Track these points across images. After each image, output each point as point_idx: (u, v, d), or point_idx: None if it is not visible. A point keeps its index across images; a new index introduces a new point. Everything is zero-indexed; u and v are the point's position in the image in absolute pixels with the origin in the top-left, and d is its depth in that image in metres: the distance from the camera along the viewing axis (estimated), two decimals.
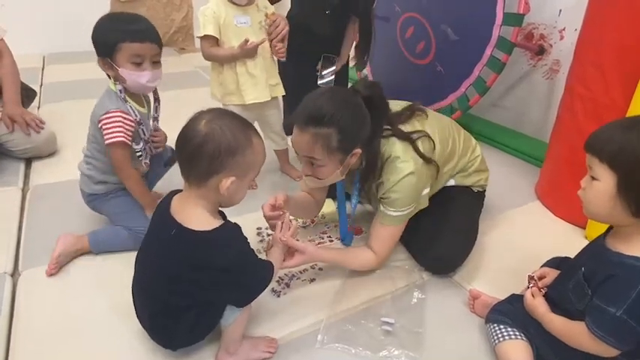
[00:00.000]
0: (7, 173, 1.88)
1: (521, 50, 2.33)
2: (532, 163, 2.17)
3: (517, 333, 1.03)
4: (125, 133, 1.33)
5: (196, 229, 0.91)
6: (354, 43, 2.23)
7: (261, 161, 0.98)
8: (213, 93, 1.77)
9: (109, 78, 1.36)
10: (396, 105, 1.35)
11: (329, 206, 1.60)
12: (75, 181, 1.51)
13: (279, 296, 1.26)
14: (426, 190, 1.29)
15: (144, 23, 1.35)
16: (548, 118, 2.26)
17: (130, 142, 1.36)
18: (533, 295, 1.03)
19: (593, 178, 0.87)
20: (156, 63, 1.36)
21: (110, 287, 1.25)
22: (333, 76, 2.19)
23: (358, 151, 1.17)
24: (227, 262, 0.91)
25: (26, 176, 1.90)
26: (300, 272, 1.36)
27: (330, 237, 1.55)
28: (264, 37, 1.68)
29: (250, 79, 1.69)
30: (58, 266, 1.32)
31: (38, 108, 2.63)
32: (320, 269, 1.38)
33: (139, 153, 1.41)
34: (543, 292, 1.05)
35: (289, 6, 2.22)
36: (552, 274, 1.08)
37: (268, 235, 1.51)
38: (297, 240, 1.20)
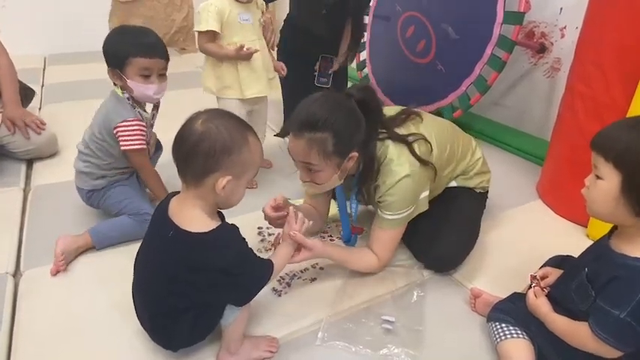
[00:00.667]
0: (8, 174, 1.88)
1: (522, 49, 2.33)
2: (533, 161, 2.16)
3: (519, 332, 1.03)
4: (143, 139, 1.44)
5: (193, 230, 0.91)
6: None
7: (259, 161, 0.98)
8: (207, 86, 1.78)
9: (115, 85, 1.44)
10: (390, 110, 1.35)
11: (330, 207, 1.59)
12: None
13: (280, 295, 1.26)
14: (425, 193, 1.29)
15: (153, 37, 1.42)
16: (549, 116, 2.26)
17: (145, 146, 1.45)
18: (535, 295, 1.03)
19: (597, 177, 0.87)
20: (162, 76, 1.44)
21: (111, 286, 1.25)
22: (330, 76, 2.22)
23: (355, 154, 1.17)
24: (224, 263, 0.92)
25: (27, 177, 1.90)
26: (301, 272, 1.36)
27: (331, 237, 1.55)
28: (261, 38, 1.77)
29: (252, 74, 1.73)
30: (64, 263, 1.32)
31: (39, 109, 2.64)
32: (321, 268, 1.38)
33: None
34: (546, 291, 1.05)
35: (287, 9, 2.27)
36: (555, 273, 1.08)
37: (269, 234, 1.51)
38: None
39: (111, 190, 1.48)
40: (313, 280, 1.33)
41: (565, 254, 1.14)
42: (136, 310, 1.05)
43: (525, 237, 1.57)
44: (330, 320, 1.17)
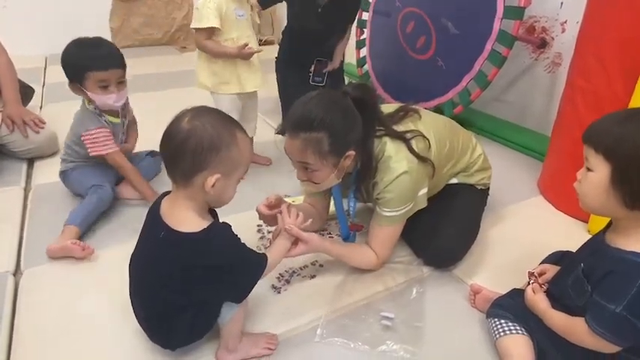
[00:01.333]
0: (9, 173, 1.89)
1: (523, 44, 2.31)
2: (534, 157, 2.15)
3: (518, 328, 1.02)
4: (107, 144, 1.57)
5: (184, 230, 0.90)
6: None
7: (248, 157, 0.97)
8: (202, 82, 1.78)
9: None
10: (388, 107, 1.34)
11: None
12: None
13: (279, 292, 1.26)
14: (423, 190, 1.28)
15: (106, 49, 1.52)
16: (550, 111, 2.24)
17: (114, 149, 1.59)
18: (534, 292, 1.03)
19: (588, 170, 0.87)
20: (121, 84, 1.55)
21: (111, 285, 1.25)
22: (325, 75, 2.29)
23: (352, 153, 1.16)
24: (217, 261, 0.91)
25: (28, 176, 1.91)
26: (301, 269, 1.36)
27: (330, 234, 1.54)
28: (254, 33, 1.81)
29: (250, 68, 1.75)
30: (80, 245, 1.35)
31: (40, 108, 2.65)
32: (321, 265, 1.38)
33: None
34: (544, 288, 1.04)
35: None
36: (552, 270, 1.08)
37: (269, 232, 1.51)
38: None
39: (72, 172, 1.64)
40: (313, 277, 1.33)
41: (565, 250, 1.13)
42: (133, 310, 1.05)
43: (526, 233, 1.57)
44: (329, 317, 1.17)
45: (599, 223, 1.46)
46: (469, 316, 1.20)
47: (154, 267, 0.95)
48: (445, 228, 1.35)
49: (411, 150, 1.22)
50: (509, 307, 1.07)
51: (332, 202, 1.58)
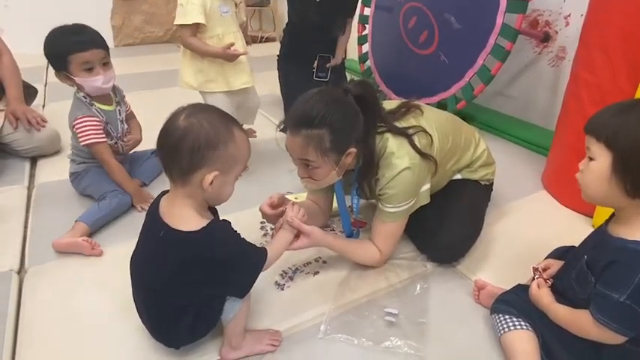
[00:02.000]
0: (12, 172, 1.90)
1: (526, 38, 2.30)
2: (538, 152, 2.14)
3: (522, 323, 1.02)
4: (95, 134, 1.54)
5: (184, 229, 0.90)
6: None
7: (246, 154, 0.96)
8: (186, 81, 1.77)
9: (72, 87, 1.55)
10: (390, 104, 1.34)
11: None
12: None
13: (283, 289, 1.26)
14: (426, 186, 1.28)
15: (85, 31, 1.52)
16: (554, 106, 2.23)
17: (102, 140, 1.55)
18: (538, 287, 1.02)
19: (590, 159, 0.87)
20: (106, 64, 1.54)
21: (115, 283, 1.24)
22: (329, 70, 2.30)
23: (353, 150, 1.16)
24: (218, 258, 0.91)
25: (31, 175, 1.91)
26: (304, 265, 1.35)
27: (333, 230, 1.54)
28: (239, 30, 1.82)
29: (236, 65, 1.74)
30: (90, 243, 1.36)
31: (43, 107, 2.66)
32: (324, 262, 1.37)
33: None
34: (549, 283, 1.04)
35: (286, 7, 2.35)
36: (556, 265, 1.07)
37: (271, 228, 1.51)
38: None
39: (87, 174, 1.62)
40: (316, 273, 1.33)
41: (569, 245, 1.13)
42: (137, 308, 1.05)
43: (530, 228, 1.56)
44: (333, 313, 1.17)
45: (603, 217, 1.44)
46: (473, 311, 1.20)
47: (156, 266, 0.95)
48: (449, 224, 1.35)
49: (413, 146, 1.21)
50: (514, 302, 1.06)
51: (335, 199, 1.58)
